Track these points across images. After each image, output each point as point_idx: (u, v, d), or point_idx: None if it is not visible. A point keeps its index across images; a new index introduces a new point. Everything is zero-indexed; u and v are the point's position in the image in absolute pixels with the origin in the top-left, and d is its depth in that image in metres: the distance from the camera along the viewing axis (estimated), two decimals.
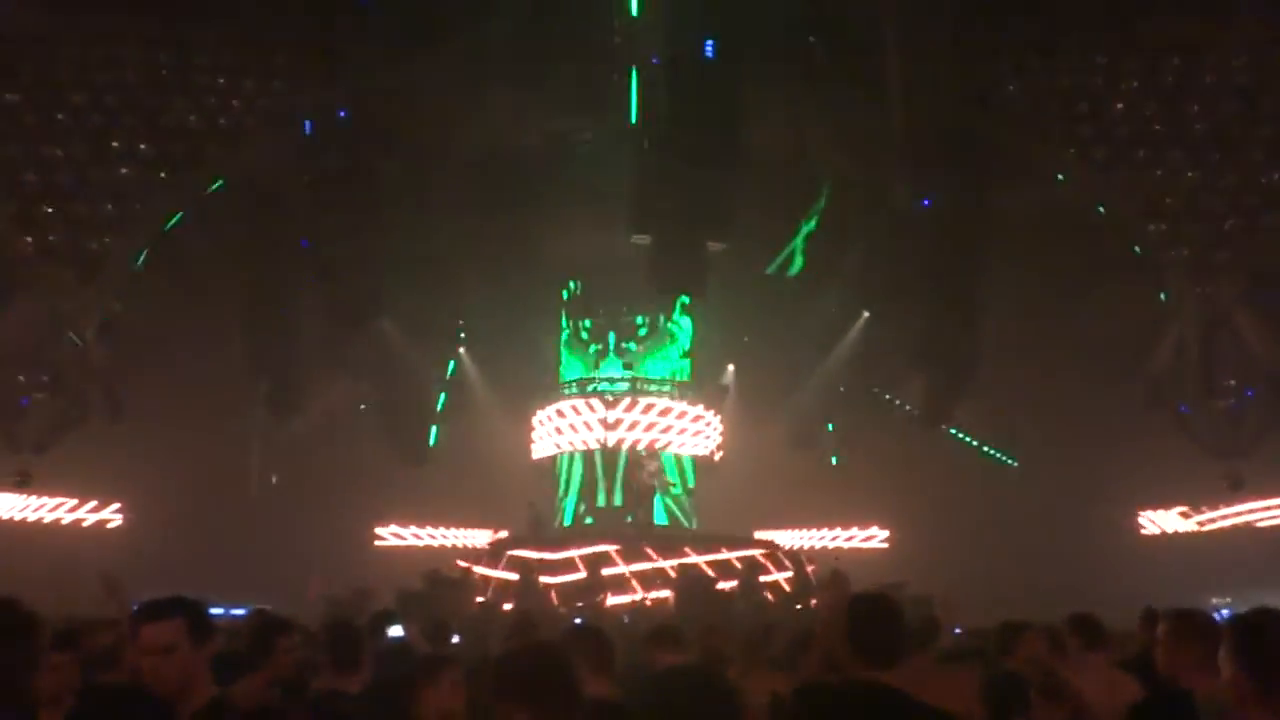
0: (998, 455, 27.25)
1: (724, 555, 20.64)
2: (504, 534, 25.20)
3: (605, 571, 19.21)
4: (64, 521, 25.58)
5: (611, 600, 18.82)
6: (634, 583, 19.58)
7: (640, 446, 24.05)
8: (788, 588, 20.39)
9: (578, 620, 14.53)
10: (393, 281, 24.01)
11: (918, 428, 26.40)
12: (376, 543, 29.25)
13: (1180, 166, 23.64)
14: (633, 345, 25.09)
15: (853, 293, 25.19)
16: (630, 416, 24.29)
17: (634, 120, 20.56)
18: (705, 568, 20.07)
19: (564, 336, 26.00)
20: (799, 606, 18.70)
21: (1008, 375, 24.02)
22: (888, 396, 27.64)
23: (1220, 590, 21.20)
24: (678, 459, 25.01)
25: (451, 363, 28.13)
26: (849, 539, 29.79)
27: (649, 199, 19.79)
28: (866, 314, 25.60)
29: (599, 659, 4.48)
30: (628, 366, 24.84)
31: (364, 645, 5.05)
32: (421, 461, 26.75)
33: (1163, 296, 24.13)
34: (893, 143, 22.48)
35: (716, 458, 25.29)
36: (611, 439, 24.07)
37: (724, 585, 19.58)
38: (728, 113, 19.30)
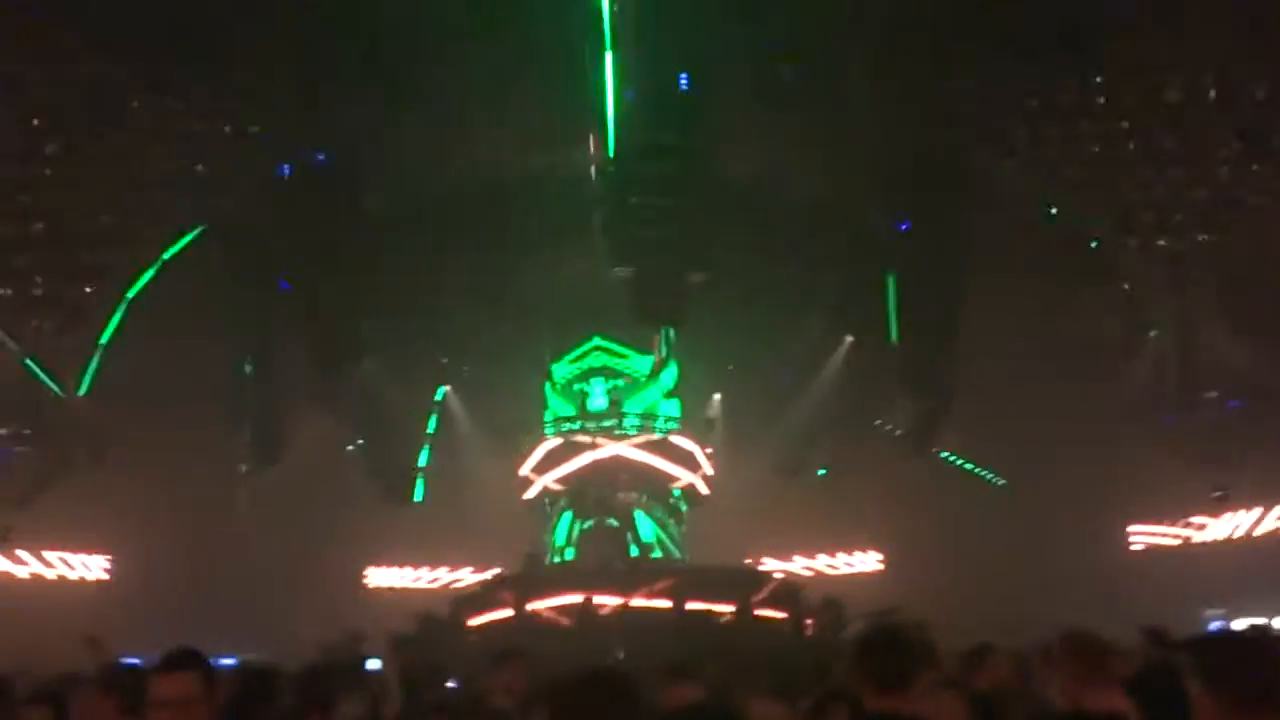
0: (985, 475, 27.32)
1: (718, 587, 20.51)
2: (497, 571, 24.98)
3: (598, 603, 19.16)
4: (49, 577, 25.24)
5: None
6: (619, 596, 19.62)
7: (623, 479, 23.90)
8: (782, 615, 20.31)
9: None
10: (375, 322, 24.00)
11: (906, 450, 26.46)
12: (366, 584, 28.98)
13: (1149, 182, 24.02)
14: (618, 382, 25.04)
15: (834, 318, 25.34)
16: (616, 451, 24.16)
17: (611, 154, 20.72)
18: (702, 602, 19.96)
19: (549, 375, 25.90)
20: (796, 634, 18.62)
21: (992, 394, 24.13)
22: (875, 420, 27.71)
23: (1213, 602, 21.27)
24: (668, 493, 24.86)
25: (440, 394, 27.98)
26: (842, 564, 29.74)
27: (628, 232, 19.90)
28: (850, 339, 25.73)
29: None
30: (613, 404, 24.74)
31: (336, 689, 5.01)
32: (407, 502, 26.58)
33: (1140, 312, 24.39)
34: (868, 167, 22.73)
35: (704, 491, 25.18)
36: (597, 474, 23.93)
37: (721, 610, 19.51)
38: (704, 144, 19.49)
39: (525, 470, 25.13)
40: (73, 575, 25.45)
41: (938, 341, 23.53)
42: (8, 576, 24.48)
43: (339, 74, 20.81)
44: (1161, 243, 24.01)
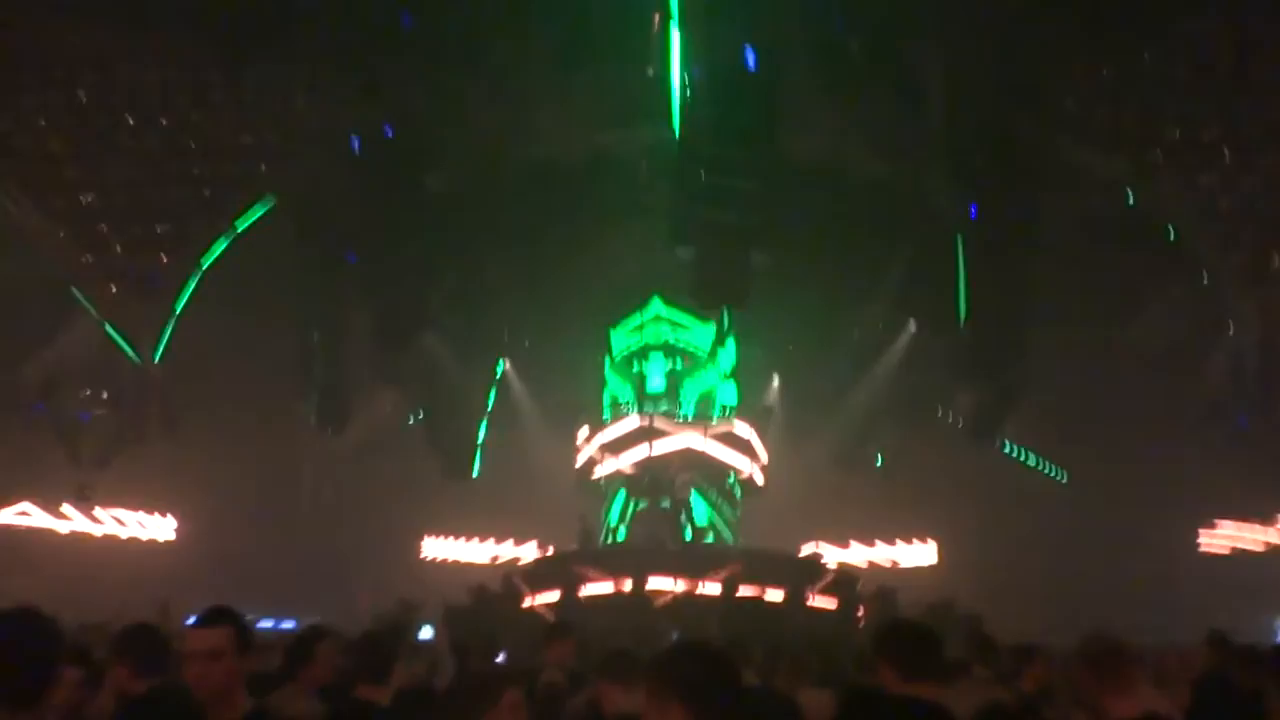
0: (1049, 470, 26.68)
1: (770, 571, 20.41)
2: (550, 551, 25.19)
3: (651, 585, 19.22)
4: (121, 536, 26.18)
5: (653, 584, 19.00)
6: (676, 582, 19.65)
7: (681, 464, 23.83)
8: (833, 604, 20.15)
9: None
10: (439, 297, 24.27)
11: (966, 442, 25.95)
12: (423, 555, 29.49)
13: (1235, 170, 23.05)
14: (677, 361, 24.93)
15: (899, 304, 24.88)
16: (674, 437, 24.10)
17: (676, 133, 20.55)
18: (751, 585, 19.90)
19: (609, 348, 25.89)
20: (846, 622, 18.47)
21: (1059, 387, 23.51)
22: (935, 410, 27.22)
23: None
24: (723, 479, 24.73)
25: (499, 369, 28.20)
26: (898, 554, 29.37)
27: (691, 211, 19.76)
28: (913, 325, 25.26)
29: (629, 672, 4.48)
30: (671, 386, 24.64)
31: (394, 657, 5.08)
32: (466, 476, 26.92)
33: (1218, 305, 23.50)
34: (937, 150, 22.20)
35: (760, 480, 25.00)
36: (655, 456, 23.91)
37: (772, 597, 19.42)
38: (769, 124, 19.22)
39: (587, 452, 25.18)
40: (143, 535, 26.35)
41: (1004, 331, 22.93)
42: (84, 534, 25.45)
43: (407, 51, 20.97)
44: (1243, 234, 23.06)
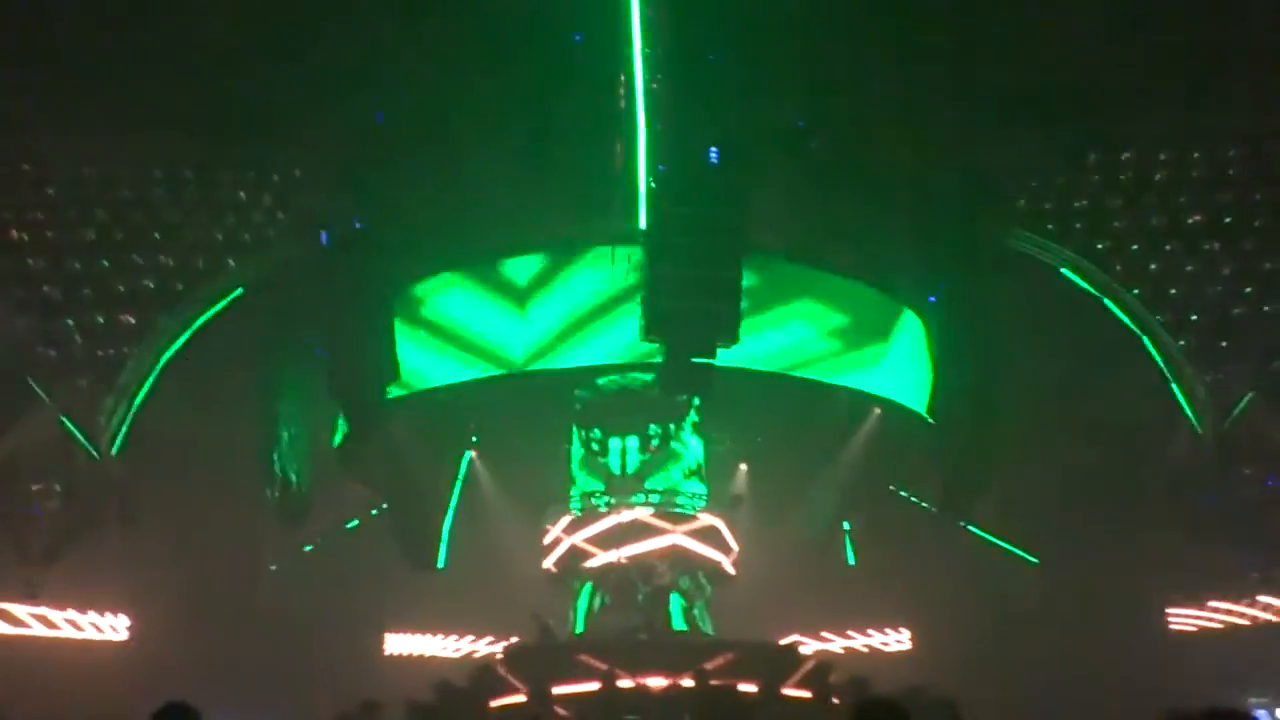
0: (1018, 552, 26.75)
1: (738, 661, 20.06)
2: (514, 640, 24.67)
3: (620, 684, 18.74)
4: (72, 636, 25.24)
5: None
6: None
7: (653, 556, 23.58)
8: (808, 693, 19.80)
9: None
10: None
11: (936, 526, 26.01)
12: (386, 652, 28.72)
13: (1179, 257, 23.95)
14: (645, 457, 24.89)
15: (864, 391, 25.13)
16: (643, 529, 23.89)
17: (641, 225, 20.96)
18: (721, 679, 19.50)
19: (574, 448, 25.83)
20: (823, 710, 18.13)
21: (1025, 468, 23.80)
22: (904, 494, 27.33)
23: (1256, 690, 20.53)
24: (696, 572, 24.49)
25: (464, 464, 27.97)
26: (870, 641, 29.11)
27: (659, 303, 20.01)
28: (878, 410, 25.52)
29: None
30: (639, 480, 24.54)
31: None
32: (431, 567, 26.42)
33: (1174, 388, 24.07)
34: (896, 237, 22.84)
35: (731, 570, 24.81)
36: (624, 550, 23.67)
37: (745, 689, 19.03)
38: (734, 217, 19.67)
39: (559, 550, 24.83)
40: (95, 635, 25.43)
41: (972, 415, 23.27)
42: (32, 634, 24.52)
43: (379, 144, 21.39)
44: (1194, 318, 23.82)
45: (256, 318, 24.38)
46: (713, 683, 18.84)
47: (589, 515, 24.63)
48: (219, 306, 24.61)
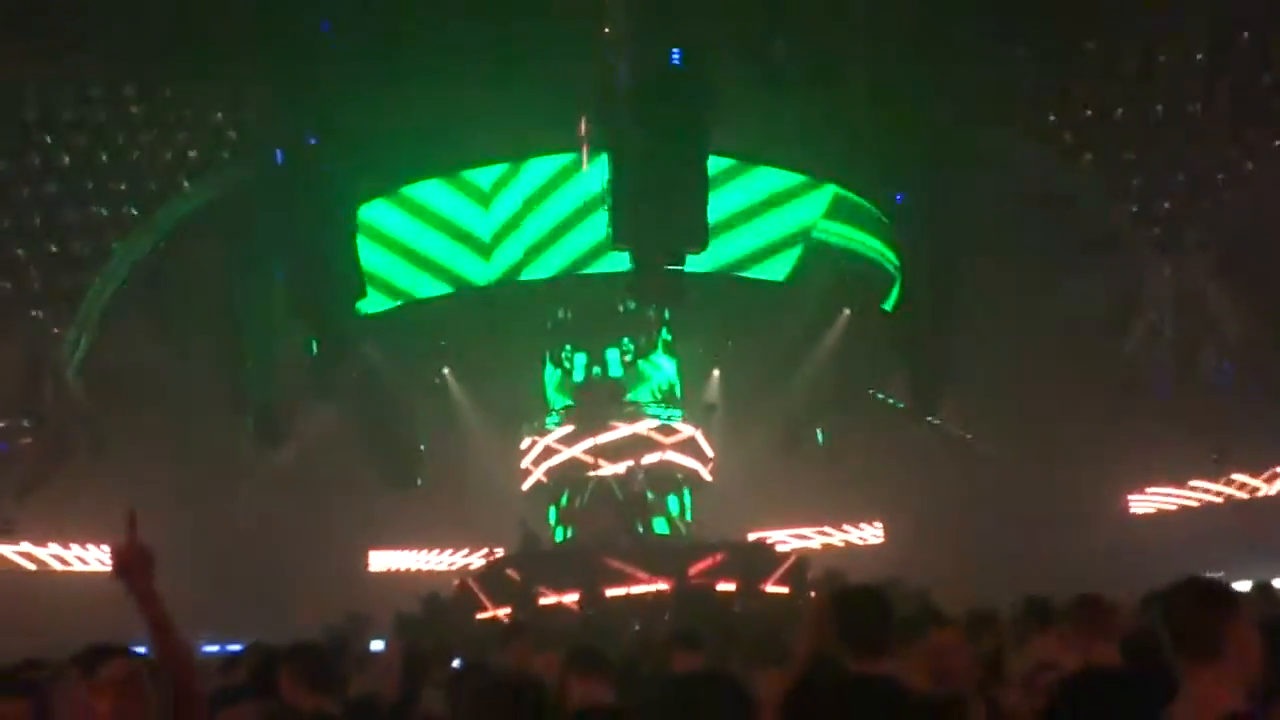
0: (980, 444, 27.41)
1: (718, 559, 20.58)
2: (499, 552, 25.11)
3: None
4: (55, 568, 25.35)
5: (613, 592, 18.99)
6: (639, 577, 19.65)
7: (629, 467, 23.87)
8: (786, 589, 20.42)
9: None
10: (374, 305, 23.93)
11: (906, 422, 26.53)
12: (369, 567, 29.12)
13: (1144, 147, 23.93)
14: (619, 373, 24.99)
15: (832, 290, 25.28)
16: (617, 439, 24.12)
17: (605, 133, 20.57)
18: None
19: (547, 366, 25.86)
20: (800, 604, 18.72)
21: (991, 363, 24.21)
22: (874, 392, 27.76)
23: (1213, 564, 21.37)
24: (670, 476, 24.85)
25: (440, 376, 27.95)
26: (844, 536, 29.92)
27: (625, 212, 19.81)
28: (847, 311, 25.71)
29: (593, 665, 4.57)
30: (612, 395, 24.66)
31: (334, 664, 5.05)
32: (410, 486, 26.62)
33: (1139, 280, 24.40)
34: (863, 139, 22.64)
35: (708, 477, 25.21)
36: (600, 462, 23.93)
37: (722, 588, 19.59)
38: (698, 121, 19.36)
39: (526, 460, 25.10)
40: (77, 566, 25.54)
41: (935, 312, 23.53)
42: (14, 569, 24.58)
43: (329, 57, 20.63)
44: (1156, 207, 23.97)
45: (216, 240, 23.87)
46: (692, 582, 19.40)
47: (565, 427, 24.82)
48: (173, 222, 23.99)
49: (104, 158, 23.85)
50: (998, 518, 24.19)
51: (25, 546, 24.78)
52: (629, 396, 24.74)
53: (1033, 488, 24.34)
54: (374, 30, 20.19)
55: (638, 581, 19.59)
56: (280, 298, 23.75)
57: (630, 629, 16.43)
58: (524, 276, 23.69)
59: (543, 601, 19.19)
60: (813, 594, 19.86)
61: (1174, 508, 27.08)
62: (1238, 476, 25.90)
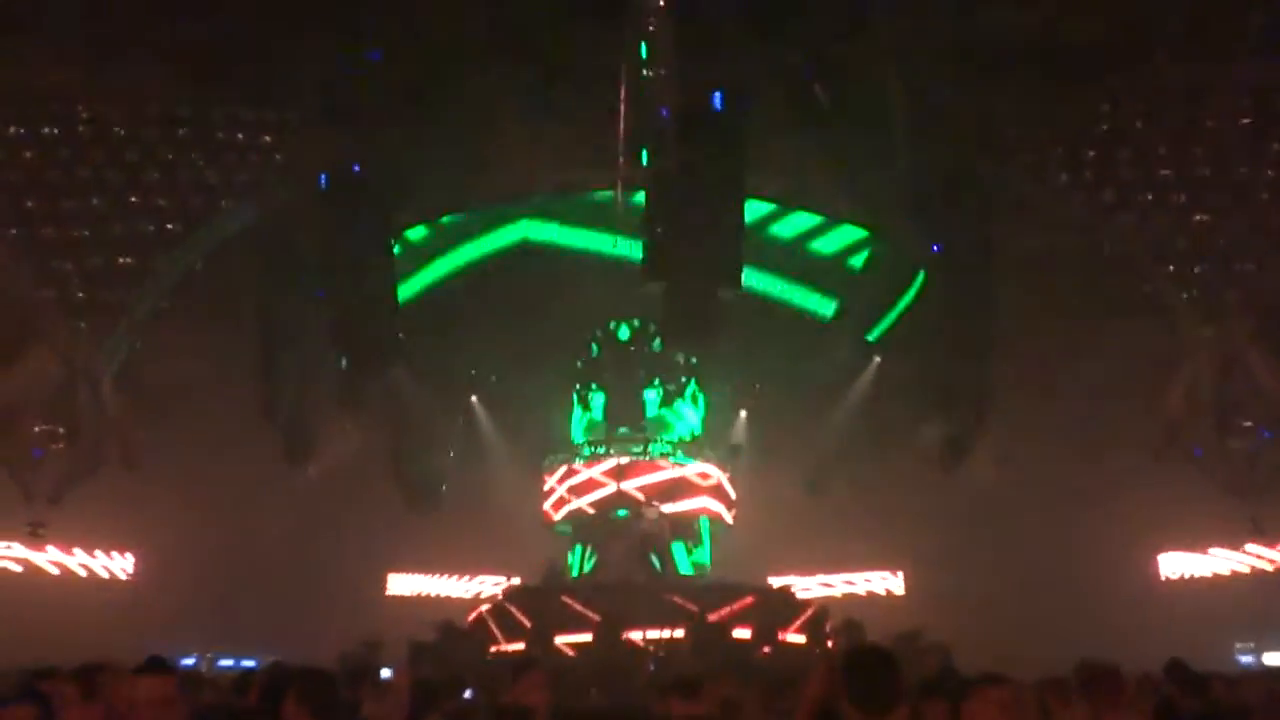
0: (1012, 499, 26.97)
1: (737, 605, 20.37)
2: (516, 581, 25.04)
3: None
4: (79, 574, 25.57)
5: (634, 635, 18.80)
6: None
7: (646, 506, 23.76)
8: (803, 637, 20.16)
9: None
10: (406, 329, 24.18)
11: (932, 473, 26.19)
12: (387, 589, 29.13)
13: (1186, 209, 23.69)
14: (646, 415, 24.99)
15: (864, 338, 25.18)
16: (641, 479, 24.05)
17: (644, 169, 20.73)
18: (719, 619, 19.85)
19: (575, 405, 25.94)
20: (816, 653, 18.46)
21: (1022, 418, 23.89)
22: (901, 441, 27.46)
23: (1243, 635, 20.85)
24: (694, 519, 24.69)
25: (467, 403, 28.06)
26: (865, 583, 29.52)
27: (661, 248, 19.91)
28: (878, 359, 25.56)
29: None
30: (639, 431, 24.66)
31: (341, 692, 5.04)
32: (431, 510, 26.67)
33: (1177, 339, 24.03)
34: (902, 188, 22.63)
35: (729, 520, 25.04)
36: (622, 499, 23.84)
37: (739, 634, 19.37)
38: (736, 162, 19.48)
39: (548, 488, 25.07)
40: (101, 573, 25.77)
41: (970, 363, 23.30)
42: (39, 572, 24.84)
43: (376, 87, 21.04)
44: (1198, 270, 23.66)
45: (256, 258, 24.24)
46: (710, 623, 19.20)
47: (588, 463, 24.78)
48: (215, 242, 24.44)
49: (153, 175, 24.39)
50: (1022, 573, 23.76)
51: (53, 552, 25.05)
52: (653, 443, 24.65)
53: (1060, 544, 23.91)
54: (421, 65, 20.58)
55: (655, 623, 19.43)
56: (316, 317, 24.09)
57: (645, 669, 16.27)
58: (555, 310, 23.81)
59: (558, 640, 19.10)
60: (830, 644, 19.61)
61: (1205, 573, 26.45)
62: (1268, 552, 25.23)
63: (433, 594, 29.36)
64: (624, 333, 24.67)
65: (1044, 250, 23.33)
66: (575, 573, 24.28)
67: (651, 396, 25.00)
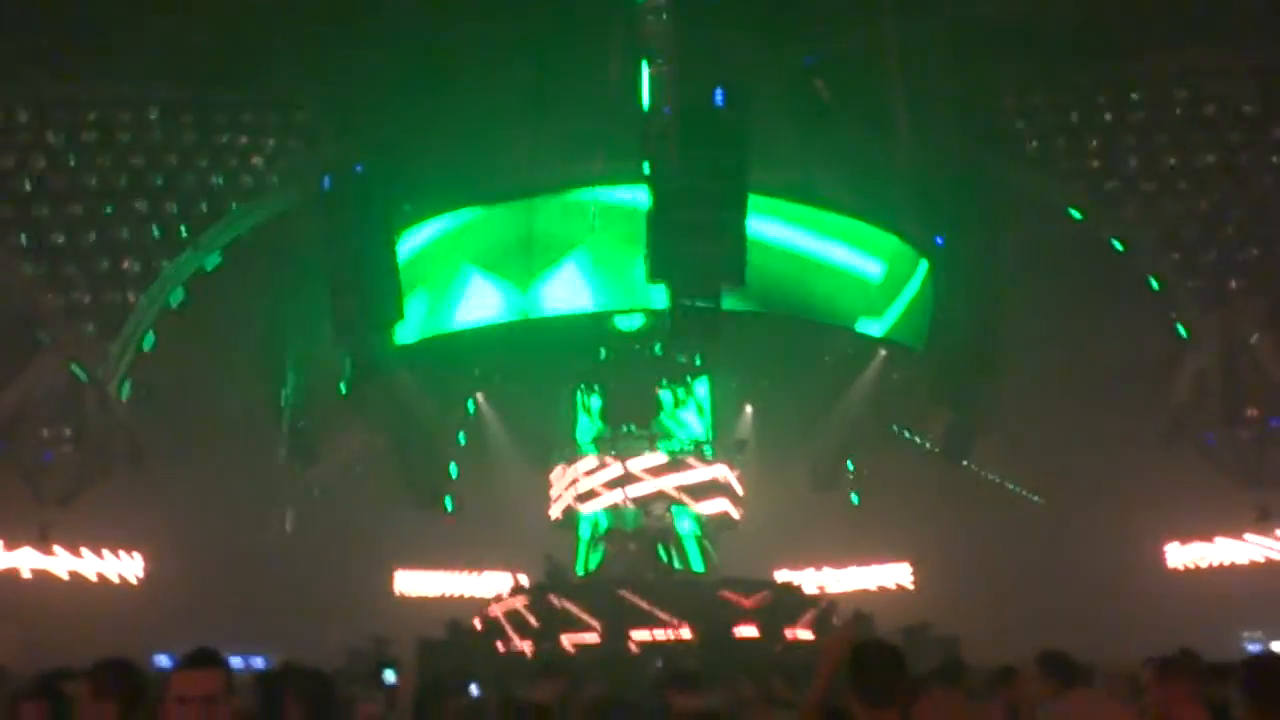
0: (1020, 490, 26.97)
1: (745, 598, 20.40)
2: (523, 579, 25.07)
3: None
4: (89, 576, 25.66)
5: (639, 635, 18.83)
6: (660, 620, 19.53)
7: (654, 502, 23.71)
8: (811, 631, 20.18)
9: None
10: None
11: (938, 464, 26.18)
12: (395, 588, 29.23)
13: (1191, 197, 23.65)
14: (651, 416, 24.89)
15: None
16: (647, 478, 24.00)
17: (647, 169, 20.71)
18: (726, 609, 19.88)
19: (578, 408, 25.86)
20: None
21: (1028, 409, 23.87)
22: (907, 434, 27.46)
23: (1251, 624, 20.82)
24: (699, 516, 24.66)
25: (471, 403, 28.04)
26: (872, 577, 29.53)
27: (664, 247, 19.89)
28: (884, 352, 25.51)
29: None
30: (643, 428, 24.54)
31: (339, 693, 5.07)
32: (438, 507, 26.71)
33: (1180, 329, 23.98)
34: (904, 182, 22.59)
35: (737, 517, 24.95)
36: (627, 497, 23.79)
37: (745, 630, 19.40)
38: (739, 160, 19.45)
39: (554, 490, 25.06)
40: (110, 574, 25.87)
41: (974, 355, 23.26)
42: (47, 574, 24.94)
43: (377, 88, 21.09)
44: (1203, 258, 23.63)
45: (261, 261, 24.33)
46: (717, 622, 19.21)
47: (594, 462, 24.77)
48: (222, 244, 24.52)
49: (158, 180, 24.51)
50: (1029, 564, 23.74)
51: (60, 553, 25.14)
52: (661, 442, 24.56)
53: (1067, 535, 23.89)
54: (423, 65, 20.60)
55: (661, 620, 19.47)
56: (322, 319, 24.13)
57: (653, 666, 16.30)
58: (561, 311, 23.65)
59: (564, 638, 19.14)
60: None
61: (1212, 563, 26.39)
62: (1276, 541, 25.18)
63: (440, 592, 29.45)
64: (629, 330, 24.60)
65: (1048, 240, 23.28)
66: (582, 570, 24.29)
67: (659, 395, 24.93)
